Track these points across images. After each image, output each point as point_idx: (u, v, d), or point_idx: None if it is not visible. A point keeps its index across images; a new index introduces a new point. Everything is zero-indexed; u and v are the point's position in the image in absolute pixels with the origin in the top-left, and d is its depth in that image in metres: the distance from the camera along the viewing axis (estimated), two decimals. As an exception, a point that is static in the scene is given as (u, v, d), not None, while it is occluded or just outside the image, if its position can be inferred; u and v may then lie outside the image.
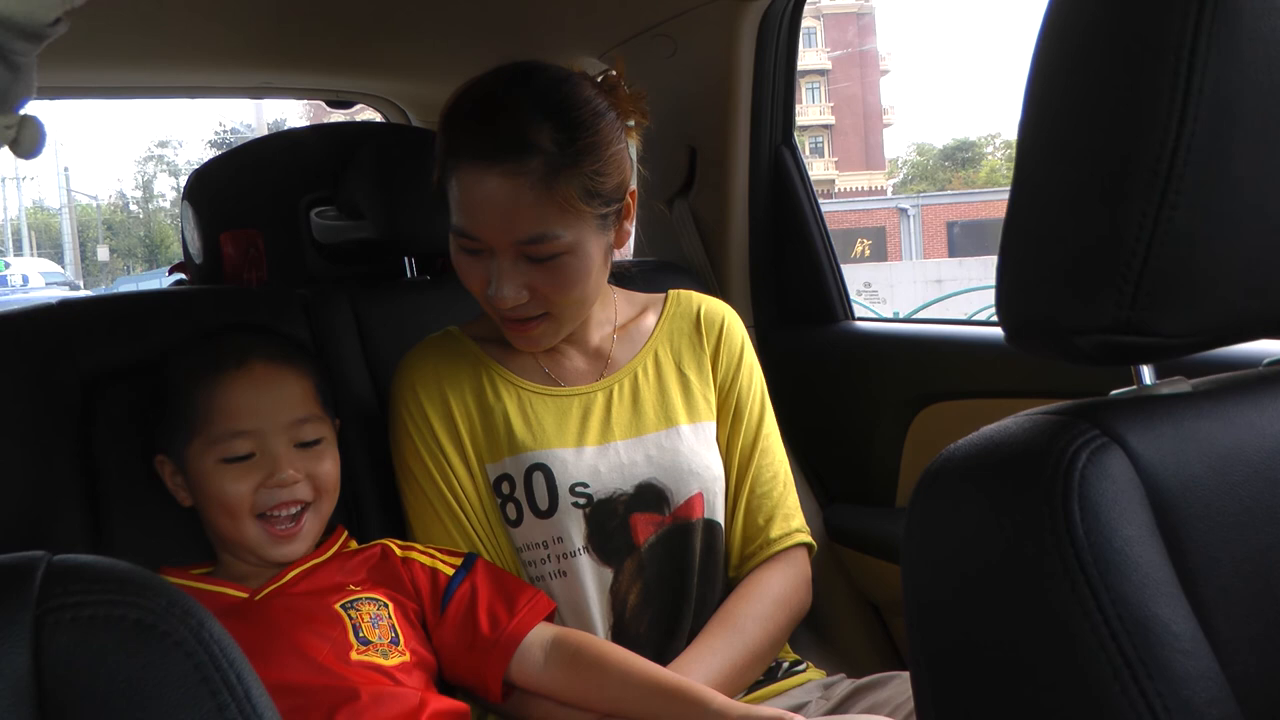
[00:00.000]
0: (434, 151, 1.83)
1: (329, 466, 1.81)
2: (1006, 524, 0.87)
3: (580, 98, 1.77)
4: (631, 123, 1.86)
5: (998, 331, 2.20)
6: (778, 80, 2.53)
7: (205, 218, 2.47)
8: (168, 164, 68.27)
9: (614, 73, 1.88)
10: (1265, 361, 1.09)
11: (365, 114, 3.67)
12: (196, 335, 1.85)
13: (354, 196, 2.32)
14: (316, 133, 2.75)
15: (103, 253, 53.12)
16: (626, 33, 2.59)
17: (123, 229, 65.82)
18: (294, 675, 1.61)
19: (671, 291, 2.10)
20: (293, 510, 1.75)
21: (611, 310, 2.01)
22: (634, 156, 1.86)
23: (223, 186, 2.55)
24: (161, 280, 2.85)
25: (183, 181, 2.57)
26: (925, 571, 0.94)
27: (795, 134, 2.62)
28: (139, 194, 69.21)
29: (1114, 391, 1.00)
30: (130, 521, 1.86)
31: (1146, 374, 0.99)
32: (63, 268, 37.07)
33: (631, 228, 1.88)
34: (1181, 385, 0.99)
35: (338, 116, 3.64)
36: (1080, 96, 0.89)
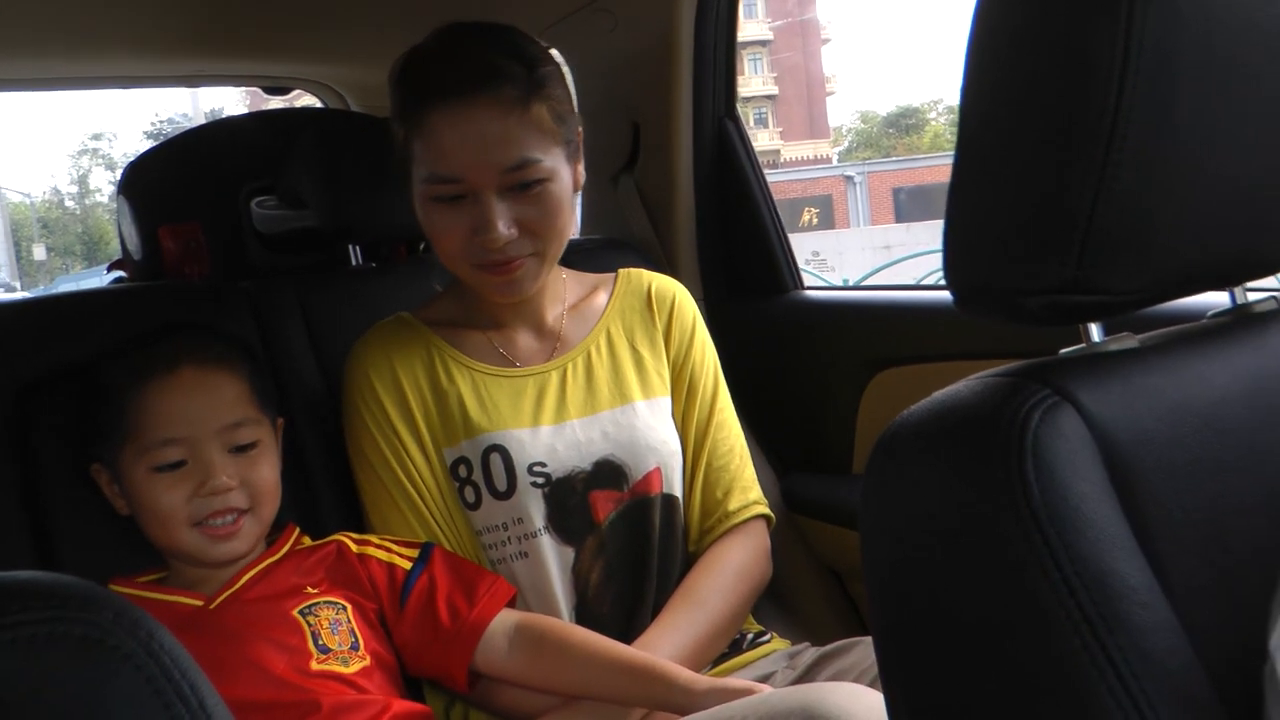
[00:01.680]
0: (379, 143, 1.83)
1: (265, 472, 1.77)
2: (962, 488, 0.87)
3: (526, 37, 1.84)
4: None
5: (945, 296, 2.20)
6: (719, 52, 2.52)
7: (142, 212, 2.43)
8: (103, 157, 67.04)
9: None
10: (1209, 314, 1.10)
11: (304, 99, 3.64)
12: (128, 338, 1.81)
13: (295, 185, 2.29)
14: (254, 120, 2.71)
15: (39, 251, 52.24)
16: (566, 8, 2.57)
17: (59, 226, 64.68)
18: (253, 691, 1.60)
19: (621, 271, 2.09)
20: (228, 517, 1.72)
21: (562, 289, 2.00)
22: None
23: (159, 179, 2.51)
24: (101, 278, 2.81)
25: (120, 175, 2.53)
26: (883, 539, 0.94)
27: (738, 105, 2.61)
28: (74, 189, 68.05)
29: (1063, 350, 1.00)
30: (76, 529, 1.83)
31: (1095, 332, 0.99)
32: (-3, 269, 36.52)
33: (583, 171, 1.89)
34: (1129, 341, 0.99)
35: (276, 103, 3.60)
36: (1021, 57, 0.89)
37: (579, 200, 1.90)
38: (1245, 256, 0.99)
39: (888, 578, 0.94)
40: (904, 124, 64.66)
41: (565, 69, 1.90)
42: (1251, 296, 1.10)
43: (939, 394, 0.94)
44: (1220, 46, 0.88)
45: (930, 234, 21.24)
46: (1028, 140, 0.89)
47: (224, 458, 1.72)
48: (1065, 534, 0.83)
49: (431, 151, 1.76)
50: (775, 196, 2.65)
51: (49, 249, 56.70)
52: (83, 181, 67.14)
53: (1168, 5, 0.84)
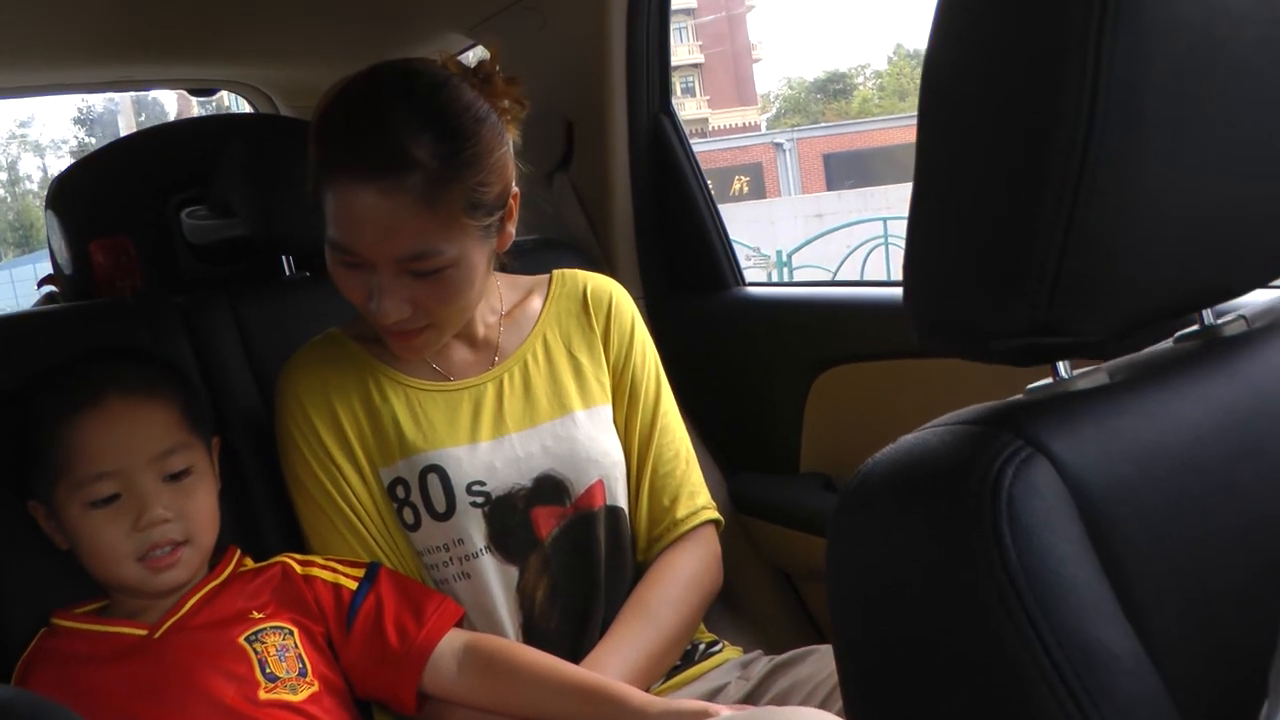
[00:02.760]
0: (306, 153, 1.75)
1: (201, 502, 1.73)
2: (934, 549, 0.84)
3: (461, 104, 1.68)
4: (510, 116, 1.77)
5: (889, 293, 2.18)
6: (651, 48, 2.48)
7: (72, 226, 2.39)
8: (31, 144, 66.47)
9: (487, 59, 1.79)
10: (1177, 335, 1.07)
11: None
12: (50, 368, 1.76)
13: (224, 194, 2.25)
14: (182, 128, 2.68)
15: (-30, 241, 51.89)
16: (494, 7, 2.53)
17: (-10, 214, 64.07)
18: None
19: (556, 272, 2.04)
20: (167, 548, 1.68)
21: (496, 298, 1.94)
22: (516, 146, 1.77)
23: (88, 192, 2.47)
24: (35, 273, 2.78)
25: (48, 161, 2.50)
26: (852, 596, 0.90)
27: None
28: (3, 176, 67.34)
29: (1030, 386, 0.97)
30: (15, 560, 1.78)
31: (1062, 367, 0.96)
32: (-73, 261, 36.04)
33: (514, 229, 1.80)
34: (1099, 377, 0.96)
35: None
36: (984, 96, 0.86)
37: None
38: (1212, 286, 0.97)
39: (858, 636, 0.91)
40: (832, 89, 64.71)
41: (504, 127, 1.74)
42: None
43: (905, 441, 0.91)
44: (1188, 77, 0.85)
45: (861, 201, 21.33)
46: (995, 182, 0.85)
47: (158, 487, 1.68)
48: (1045, 601, 0.79)
49: (333, 217, 1.68)
50: (705, 166, 2.61)
51: (-20, 237, 56.17)
52: (11, 169, 66.31)
53: (1136, 38, 0.81)
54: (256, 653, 1.65)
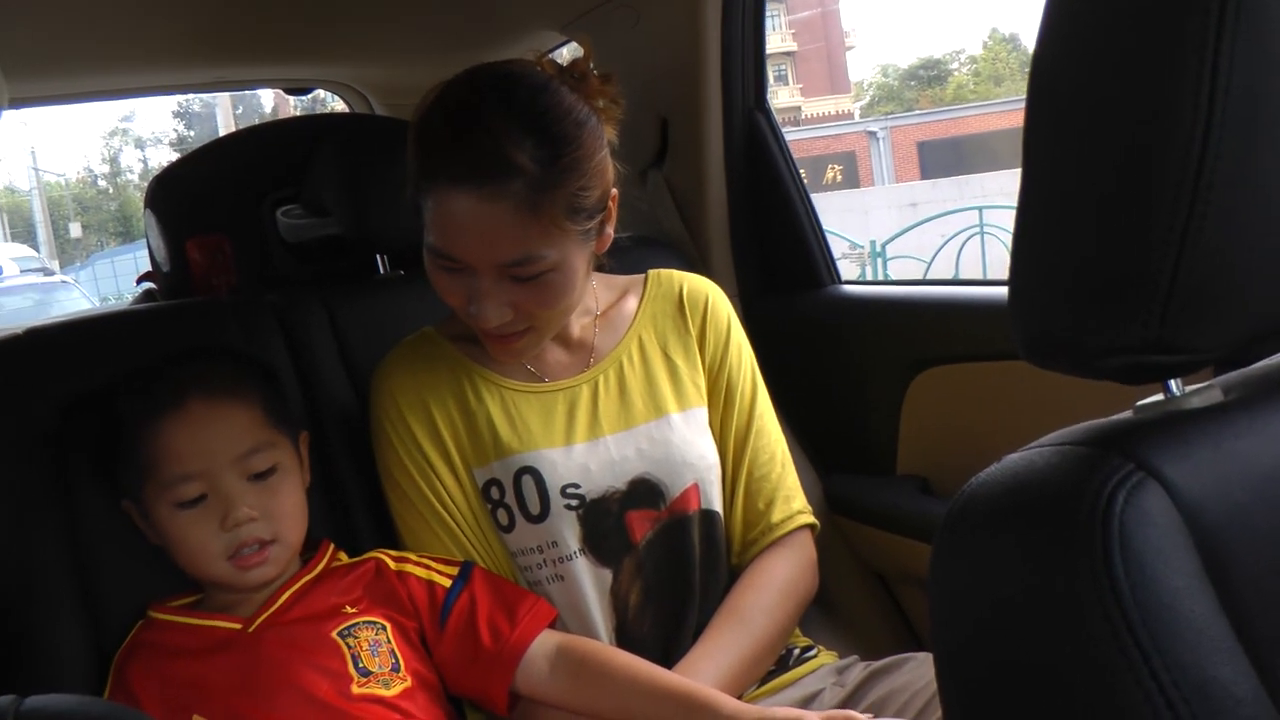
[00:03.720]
0: (403, 148, 1.73)
1: (286, 500, 1.74)
2: (1041, 576, 0.80)
3: (562, 108, 1.65)
4: (606, 115, 1.74)
5: (990, 292, 2.14)
6: (746, 44, 2.46)
7: (169, 225, 2.42)
8: (134, 138, 67.87)
9: (580, 57, 1.77)
10: None
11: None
12: (138, 368, 1.77)
13: (318, 193, 2.26)
14: (276, 129, 2.69)
15: (75, 229, 52.95)
16: (588, 4, 2.52)
17: (93, 205, 65.08)
18: (294, 716, 1.58)
19: (651, 272, 2.02)
20: (255, 546, 1.69)
21: (591, 299, 1.93)
22: (613, 146, 1.75)
23: (185, 191, 2.51)
24: (135, 263, 2.83)
25: (149, 154, 2.55)
26: (956, 621, 0.87)
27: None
28: (106, 169, 68.72)
29: (1139, 403, 0.93)
30: (112, 556, 1.80)
31: (1174, 384, 0.92)
32: (36, 249, 36.79)
33: (613, 231, 1.78)
34: (1213, 394, 0.91)
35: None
36: (1096, 101, 0.82)
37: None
38: None
39: (960, 654, 0.88)
40: (925, 76, 64.12)
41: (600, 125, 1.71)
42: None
43: (1010, 461, 0.87)
44: None
45: (956, 190, 21.08)
46: (1105, 195, 0.82)
47: (243, 486, 1.70)
48: (1160, 637, 0.75)
49: (434, 224, 1.67)
50: (797, 155, 2.58)
51: (84, 226, 57.28)
52: (114, 161, 67.72)
53: (1255, 45, 0.77)
54: (349, 647, 1.66)
